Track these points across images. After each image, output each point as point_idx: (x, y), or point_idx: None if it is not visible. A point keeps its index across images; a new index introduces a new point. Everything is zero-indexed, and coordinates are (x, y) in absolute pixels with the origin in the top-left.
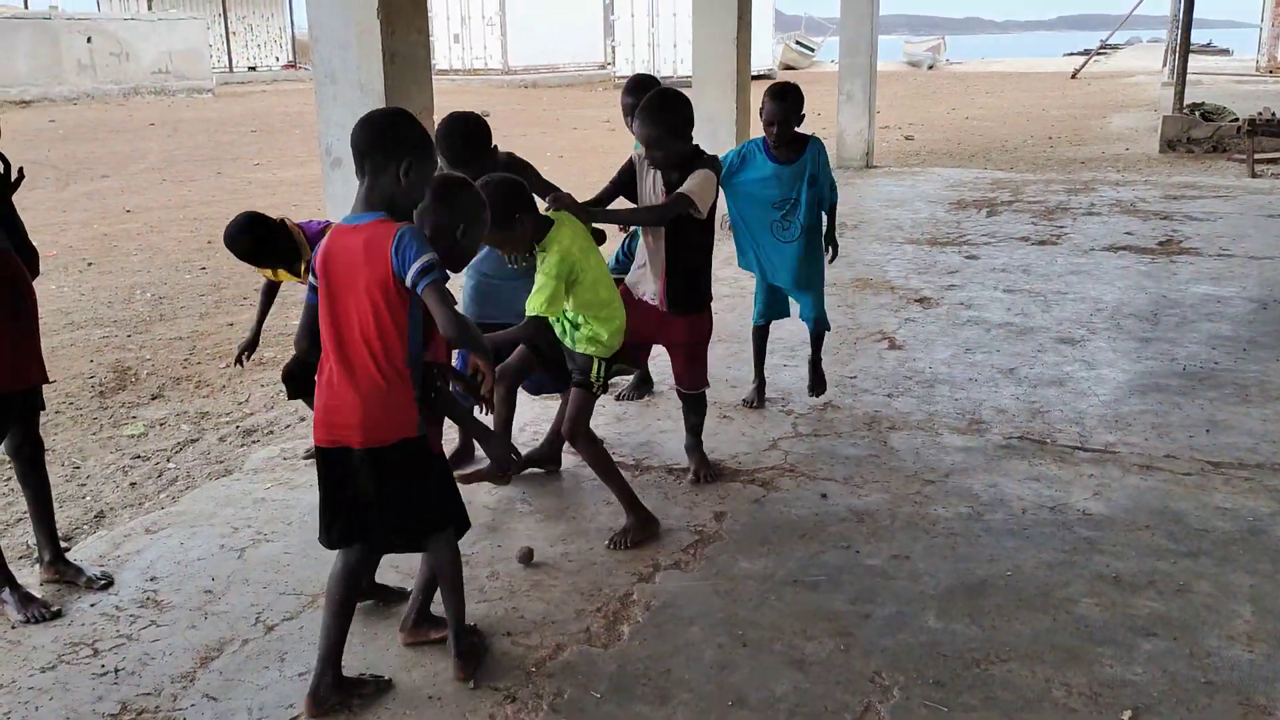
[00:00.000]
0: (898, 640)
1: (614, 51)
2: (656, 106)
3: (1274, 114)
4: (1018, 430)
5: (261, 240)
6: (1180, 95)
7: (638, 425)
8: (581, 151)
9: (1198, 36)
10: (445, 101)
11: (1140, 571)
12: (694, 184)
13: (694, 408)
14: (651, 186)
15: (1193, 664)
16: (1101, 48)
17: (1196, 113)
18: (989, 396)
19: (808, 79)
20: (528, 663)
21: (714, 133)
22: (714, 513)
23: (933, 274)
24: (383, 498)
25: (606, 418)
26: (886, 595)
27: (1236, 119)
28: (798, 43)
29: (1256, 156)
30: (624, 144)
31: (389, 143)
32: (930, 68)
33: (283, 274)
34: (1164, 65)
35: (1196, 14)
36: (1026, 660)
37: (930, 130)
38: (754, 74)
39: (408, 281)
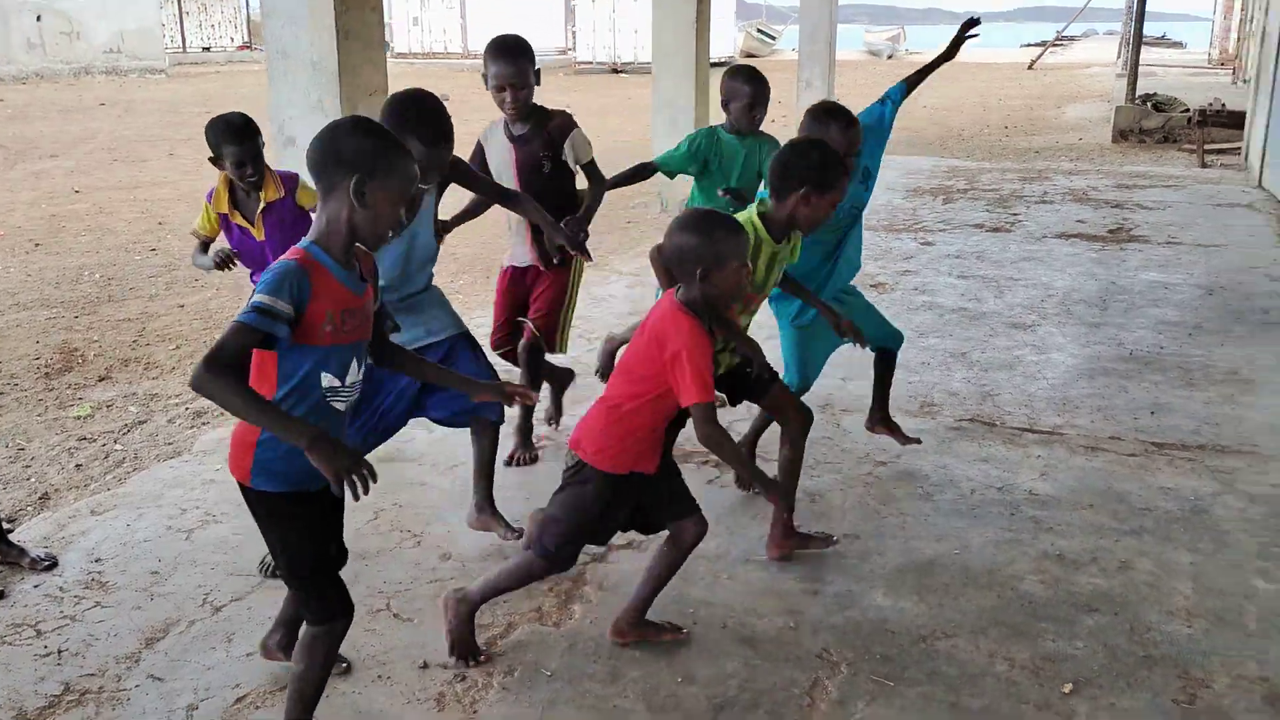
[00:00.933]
0: (846, 618)
1: (575, 37)
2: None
3: (1224, 105)
4: (968, 413)
5: (257, 133)
6: (1133, 86)
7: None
8: None
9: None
10: (403, 84)
11: (1084, 550)
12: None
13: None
14: (500, 150)
15: (1132, 638)
16: (1058, 39)
17: (1149, 103)
18: (941, 380)
19: (769, 66)
20: (479, 641)
21: (673, 119)
22: None
23: (888, 260)
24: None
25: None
26: (836, 574)
27: (1187, 110)
28: (759, 30)
29: (1206, 147)
30: (586, 129)
31: (330, 159)
32: (890, 57)
33: (236, 215)
34: (1118, 57)
35: (1151, 7)
36: (972, 636)
37: None
38: (714, 61)
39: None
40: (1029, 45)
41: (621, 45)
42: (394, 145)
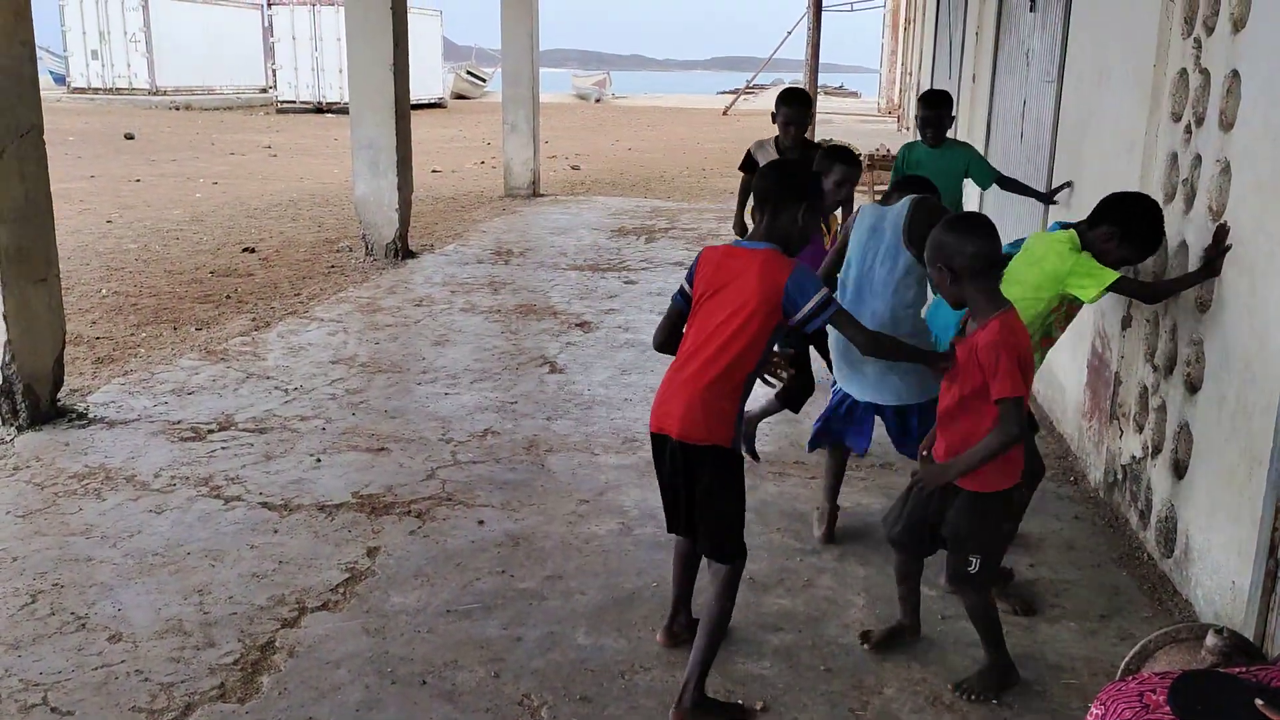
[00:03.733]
0: (548, 660)
1: (275, 75)
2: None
3: (888, 150)
4: None
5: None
6: (811, 131)
7: (288, 463)
8: (239, 177)
9: (833, 79)
10: (79, 122)
11: (771, 571)
12: None
13: None
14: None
15: (814, 653)
16: (748, 87)
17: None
18: (642, 415)
19: (480, 109)
20: None
21: (374, 160)
22: (367, 548)
23: (593, 299)
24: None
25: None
26: (539, 617)
27: (859, 154)
28: (469, 73)
29: (876, 187)
30: (285, 170)
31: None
32: (598, 101)
33: None
34: None
35: (831, 58)
36: (669, 666)
37: (596, 160)
38: (425, 102)
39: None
40: (724, 93)
41: (326, 85)
42: None
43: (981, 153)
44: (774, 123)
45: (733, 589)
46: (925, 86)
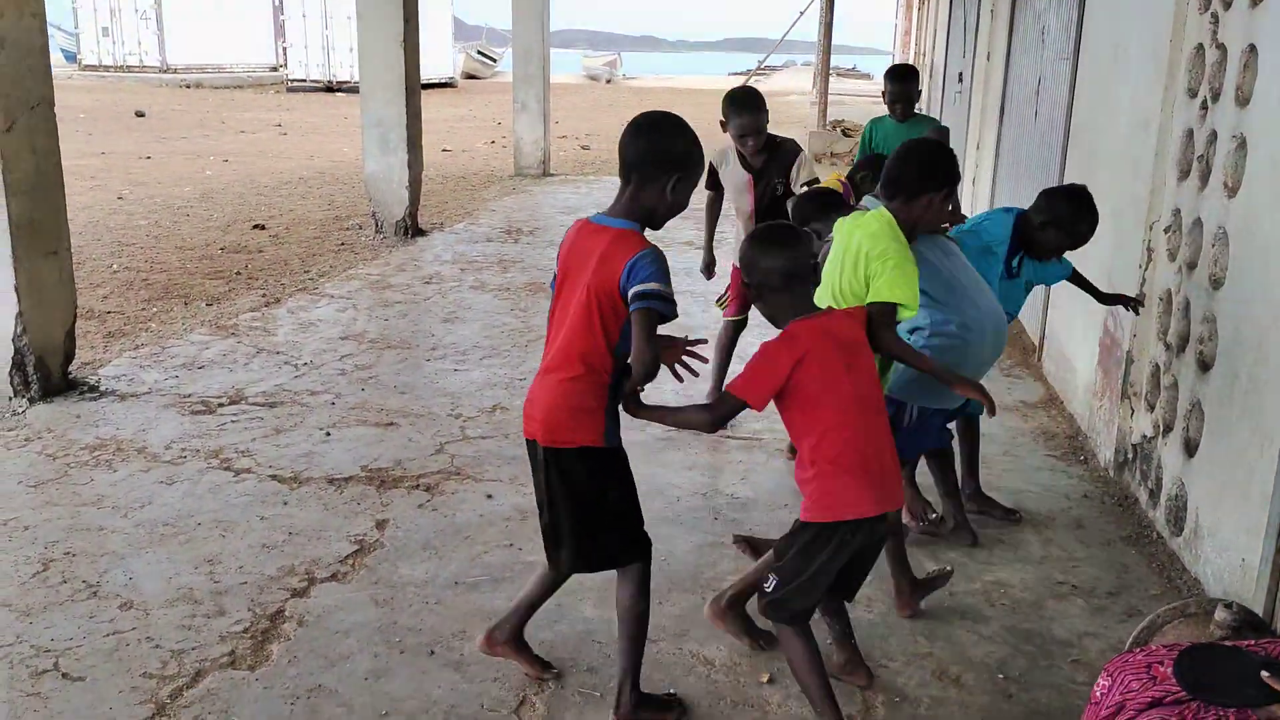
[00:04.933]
0: (555, 632)
1: (285, 54)
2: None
3: None
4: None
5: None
6: (824, 113)
7: (297, 437)
8: (249, 155)
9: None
10: (90, 100)
11: None
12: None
13: None
14: (733, 173)
15: (819, 627)
16: (760, 68)
17: (839, 129)
18: (650, 391)
19: (490, 89)
20: (161, 695)
21: (384, 138)
22: (376, 521)
23: None
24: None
25: (263, 431)
26: None
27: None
28: (479, 52)
29: None
30: (295, 148)
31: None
32: (608, 81)
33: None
34: (813, 86)
35: (843, 40)
36: (675, 638)
37: (606, 140)
38: (436, 82)
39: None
40: (736, 74)
41: (336, 63)
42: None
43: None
44: (724, 132)
45: (645, 587)
46: (939, 67)
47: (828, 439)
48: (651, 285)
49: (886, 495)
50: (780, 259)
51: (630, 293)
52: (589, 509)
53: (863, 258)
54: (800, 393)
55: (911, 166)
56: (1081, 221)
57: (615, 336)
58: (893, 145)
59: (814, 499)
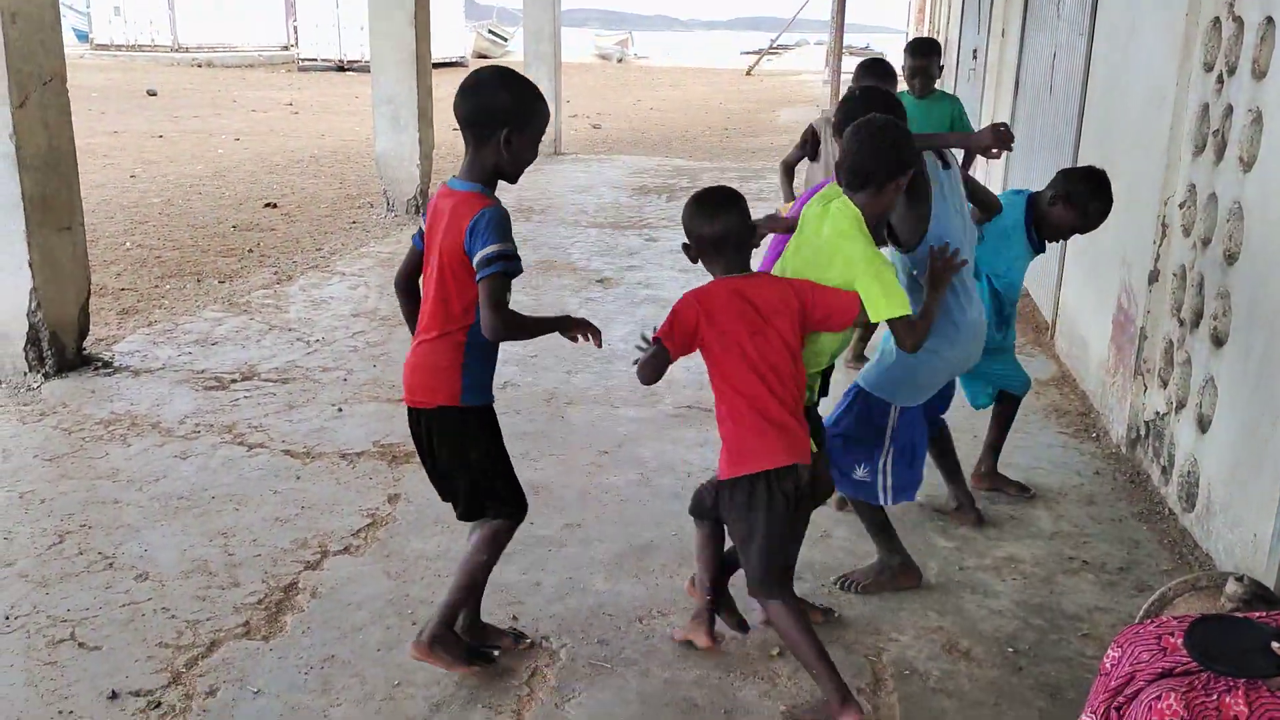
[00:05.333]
0: (566, 605)
1: (297, 33)
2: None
3: None
4: (687, 400)
5: None
6: (836, 92)
7: (310, 412)
8: (260, 134)
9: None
10: (102, 79)
11: None
12: None
13: None
14: (833, 152)
15: (830, 601)
16: (772, 48)
17: None
18: None
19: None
20: (177, 664)
21: (395, 115)
22: (388, 495)
23: (614, 256)
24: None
25: (275, 412)
26: (558, 563)
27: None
28: (490, 31)
29: None
30: (306, 127)
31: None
32: (620, 61)
33: None
34: (826, 65)
35: (854, 19)
36: (686, 613)
37: (617, 120)
38: (446, 61)
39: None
40: (747, 53)
41: (347, 42)
42: None
43: (978, 109)
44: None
45: (496, 542)
46: (954, 43)
47: (727, 399)
48: (492, 249)
49: (794, 447)
50: (717, 224)
51: (475, 260)
52: (455, 466)
53: (839, 259)
54: (708, 351)
55: (884, 150)
56: (1095, 199)
57: (468, 296)
58: (911, 120)
59: (726, 457)
